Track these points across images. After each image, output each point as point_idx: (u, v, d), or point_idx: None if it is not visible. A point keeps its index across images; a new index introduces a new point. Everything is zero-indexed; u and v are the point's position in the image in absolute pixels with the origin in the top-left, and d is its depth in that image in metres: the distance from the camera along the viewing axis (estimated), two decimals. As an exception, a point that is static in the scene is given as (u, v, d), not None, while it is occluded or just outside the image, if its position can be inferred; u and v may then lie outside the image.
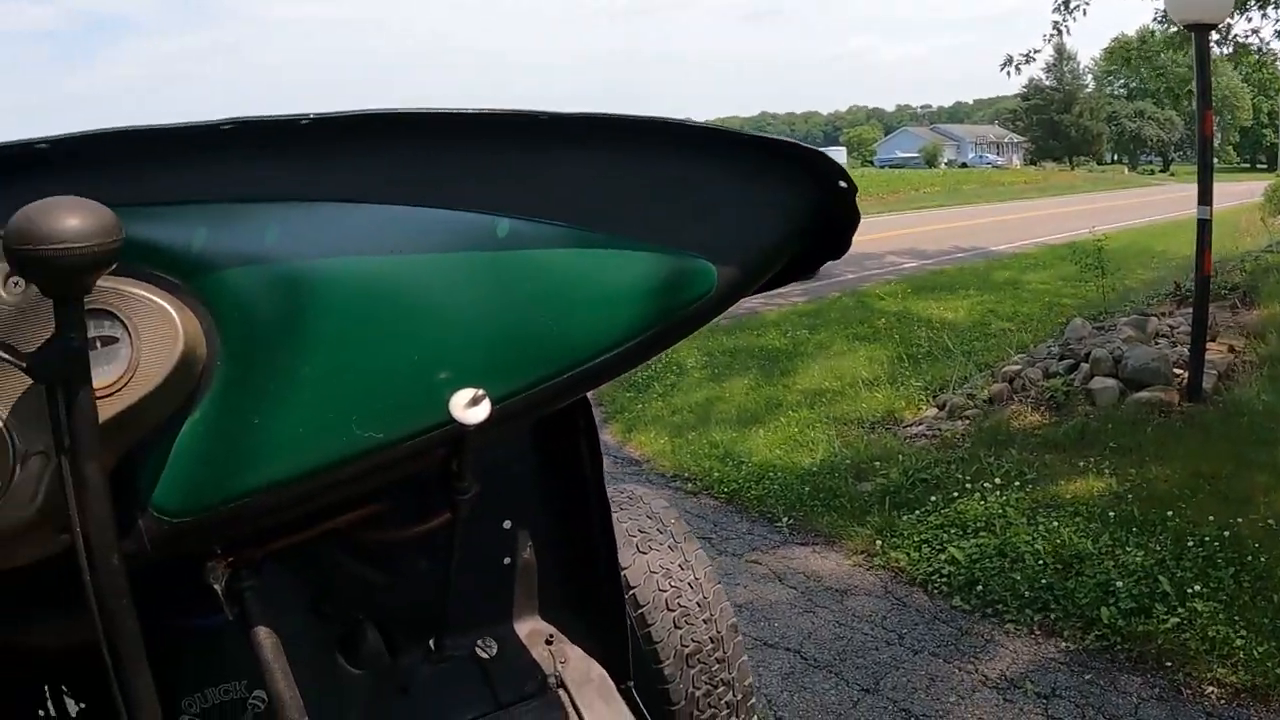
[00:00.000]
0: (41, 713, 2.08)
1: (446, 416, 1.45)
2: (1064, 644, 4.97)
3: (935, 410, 9.17)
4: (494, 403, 1.46)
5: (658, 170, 1.59)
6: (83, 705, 2.08)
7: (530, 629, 2.50)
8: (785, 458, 8.03)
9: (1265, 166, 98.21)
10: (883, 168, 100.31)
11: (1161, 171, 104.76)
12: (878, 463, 7.51)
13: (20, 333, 1.27)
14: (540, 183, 1.55)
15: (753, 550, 6.46)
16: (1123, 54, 25.39)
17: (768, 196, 1.63)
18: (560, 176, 1.56)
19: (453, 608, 2.24)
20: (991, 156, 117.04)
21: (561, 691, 2.42)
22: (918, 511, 6.59)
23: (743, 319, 14.42)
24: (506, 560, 2.42)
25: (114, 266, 1.20)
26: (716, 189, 1.61)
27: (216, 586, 1.71)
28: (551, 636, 2.48)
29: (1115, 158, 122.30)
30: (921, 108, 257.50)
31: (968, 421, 8.42)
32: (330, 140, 1.49)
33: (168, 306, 1.34)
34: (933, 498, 6.70)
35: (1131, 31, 24.14)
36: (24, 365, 1.23)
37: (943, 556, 5.90)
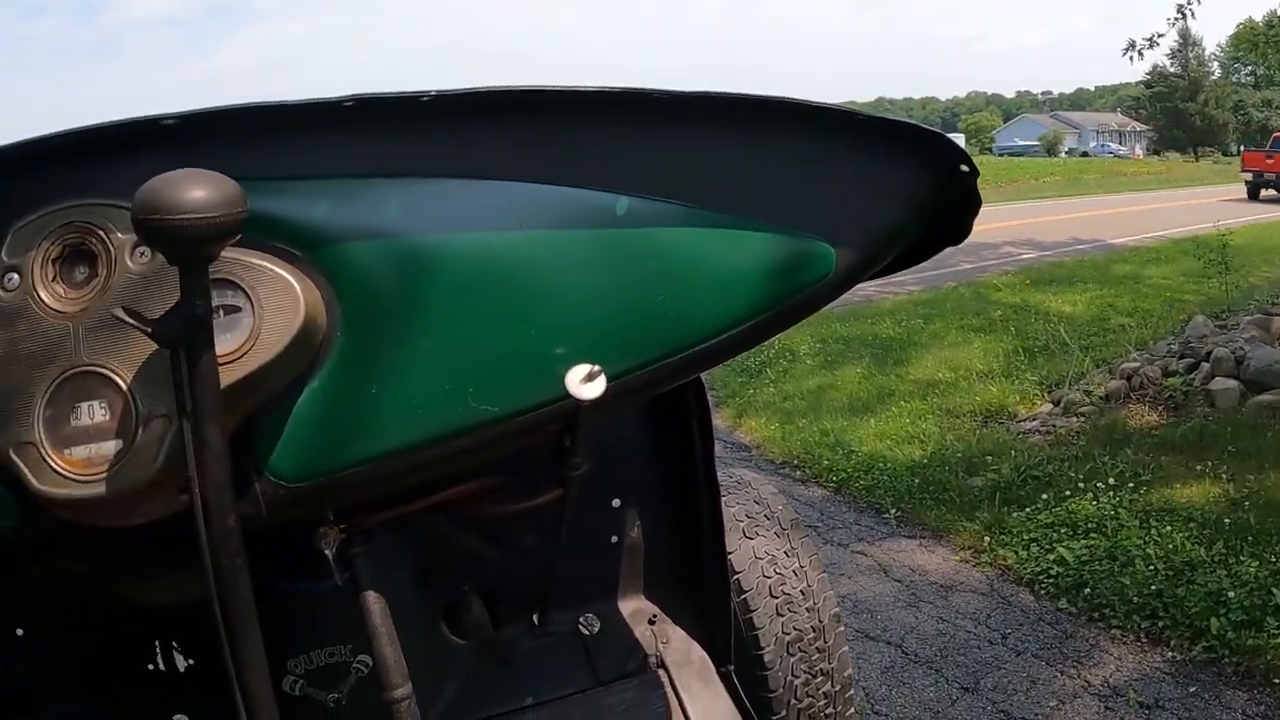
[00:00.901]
0: (151, 666, 2.14)
1: (562, 392, 1.47)
2: (1170, 653, 4.88)
3: (1050, 406, 9.00)
4: (609, 380, 1.48)
5: (778, 150, 1.59)
6: (191, 661, 2.15)
7: (634, 608, 2.50)
8: (895, 448, 7.99)
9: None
10: (1001, 155, 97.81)
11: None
12: (989, 457, 7.43)
13: (145, 300, 1.33)
14: (659, 161, 1.54)
15: (859, 541, 6.47)
16: (1249, 39, 24.58)
17: (889, 179, 1.62)
18: (679, 155, 1.55)
19: (558, 583, 2.27)
20: (1114, 146, 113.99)
21: (661, 672, 2.42)
22: (1028, 509, 6.49)
23: (857, 306, 14.32)
24: (614, 539, 2.43)
25: (238, 237, 1.24)
26: (837, 170, 1.60)
27: (327, 552, 1.74)
28: (654, 616, 2.49)
29: (1241, 149, 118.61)
30: (1042, 94, 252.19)
31: (1083, 418, 8.26)
32: (450, 117, 1.50)
33: (289, 278, 1.37)
34: (1044, 495, 6.60)
35: (1259, 16, 23.18)
36: (149, 330, 1.25)
37: (1051, 556, 5.82)
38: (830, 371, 10.89)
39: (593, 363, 1.47)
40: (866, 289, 16.19)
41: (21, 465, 1.34)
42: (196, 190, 1.16)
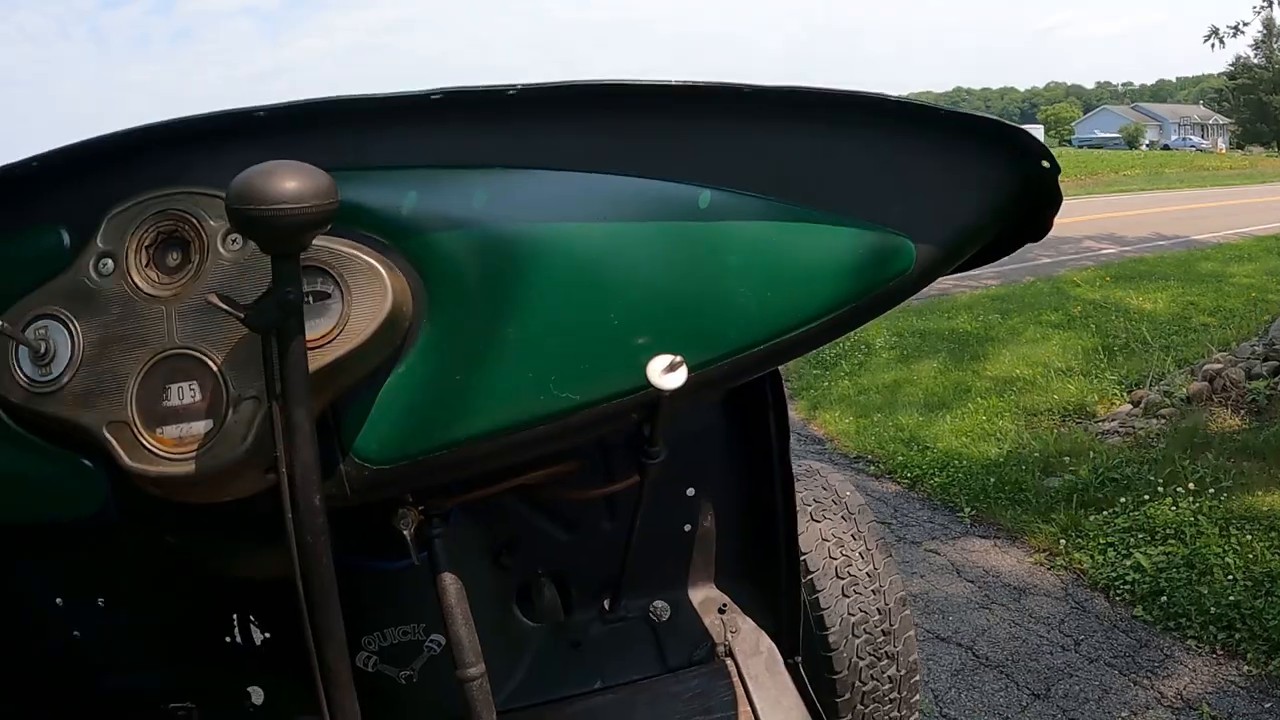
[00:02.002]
0: (228, 639, 2.21)
1: (643, 381, 1.48)
2: (1246, 667, 4.79)
3: (1130, 406, 8.86)
4: (690, 370, 1.49)
5: (860, 145, 1.59)
6: (267, 635, 2.22)
7: (704, 596, 2.53)
8: (971, 446, 7.95)
9: None
10: (1080, 148, 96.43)
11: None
12: (1067, 458, 7.35)
13: (236, 286, 1.37)
14: (741, 155, 1.55)
15: (932, 539, 6.45)
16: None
17: (970, 175, 1.62)
18: (761, 149, 1.56)
19: (630, 570, 2.29)
20: (1195, 139, 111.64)
21: (729, 661, 2.44)
22: (1105, 512, 6.42)
23: (933, 300, 14.26)
24: (687, 527, 2.45)
25: (329, 226, 1.26)
26: (918, 165, 1.60)
27: (406, 532, 1.79)
28: (724, 606, 2.51)
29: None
30: (1123, 85, 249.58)
31: (1163, 420, 8.11)
32: (536, 110, 1.52)
33: (378, 266, 1.40)
34: (1122, 499, 6.50)
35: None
36: (242, 316, 1.29)
37: (1128, 562, 5.75)
38: (906, 366, 10.86)
39: (675, 353, 1.48)
40: (942, 283, 15.98)
41: (114, 443, 1.38)
42: (290, 181, 1.19)
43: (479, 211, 1.48)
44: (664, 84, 1.49)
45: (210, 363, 1.38)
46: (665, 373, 1.47)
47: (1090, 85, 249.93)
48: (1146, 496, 6.51)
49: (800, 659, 2.54)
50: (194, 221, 1.42)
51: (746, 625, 2.51)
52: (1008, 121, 1.62)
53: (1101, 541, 6.07)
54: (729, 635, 2.48)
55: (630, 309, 1.50)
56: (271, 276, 1.27)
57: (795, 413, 9.44)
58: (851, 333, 9.27)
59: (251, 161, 1.22)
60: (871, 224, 1.56)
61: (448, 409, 1.49)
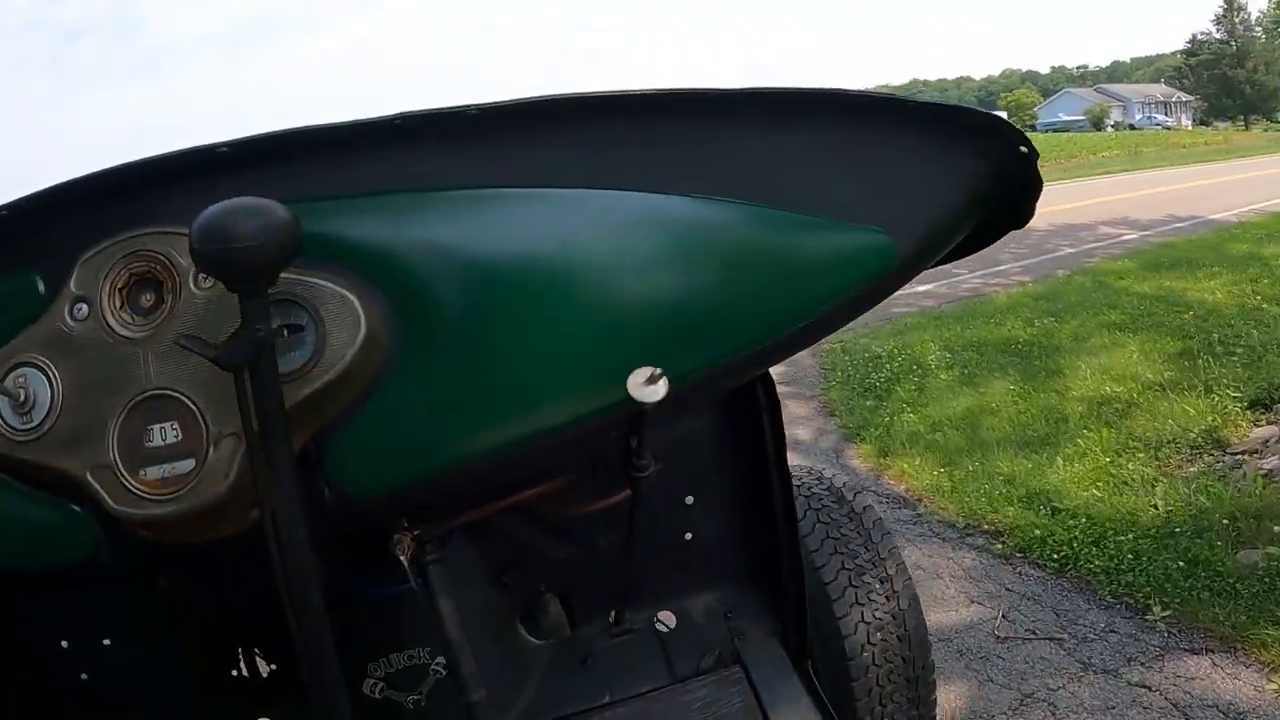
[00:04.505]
0: (235, 672, 2.22)
1: (625, 395, 1.46)
2: None
3: (1272, 429, 7.05)
4: (672, 381, 1.47)
5: (831, 144, 1.57)
6: (274, 667, 2.23)
7: (709, 604, 2.51)
8: (1109, 502, 6.05)
9: None
10: (1046, 132, 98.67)
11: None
12: (1254, 519, 5.45)
13: (211, 323, 1.42)
14: (711, 161, 1.53)
15: (1129, 663, 4.51)
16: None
17: (946, 166, 1.59)
18: (730, 154, 1.54)
19: (633, 581, 2.30)
20: (1160, 117, 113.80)
21: (738, 668, 2.40)
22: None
23: (970, 303, 12.88)
24: (688, 535, 2.39)
25: (294, 262, 1.30)
26: (892, 160, 1.58)
27: (402, 558, 1.75)
28: (730, 613, 2.48)
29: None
30: (1078, 68, 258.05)
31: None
32: (500, 128, 1.52)
33: (350, 296, 1.43)
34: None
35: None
36: (212, 356, 1.31)
37: None
38: (974, 389, 8.94)
39: (654, 366, 1.46)
40: (973, 281, 15.02)
41: (99, 488, 1.43)
42: (250, 219, 1.22)
43: (450, 234, 1.48)
44: (625, 93, 1.51)
45: (189, 402, 1.42)
46: (645, 385, 1.46)
47: (1045, 70, 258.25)
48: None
49: (811, 661, 2.48)
50: (165, 261, 1.46)
51: (754, 630, 2.46)
52: (980, 109, 1.63)
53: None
54: (737, 642, 2.43)
55: (607, 323, 1.48)
56: (240, 315, 1.29)
57: (860, 460, 7.57)
58: (899, 352, 10.51)
59: (219, 197, 1.27)
60: (848, 222, 1.54)
61: (431, 435, 1.49)
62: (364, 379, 1.43)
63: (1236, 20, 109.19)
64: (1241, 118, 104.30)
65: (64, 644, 2.03)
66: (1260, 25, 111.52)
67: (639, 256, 1.49)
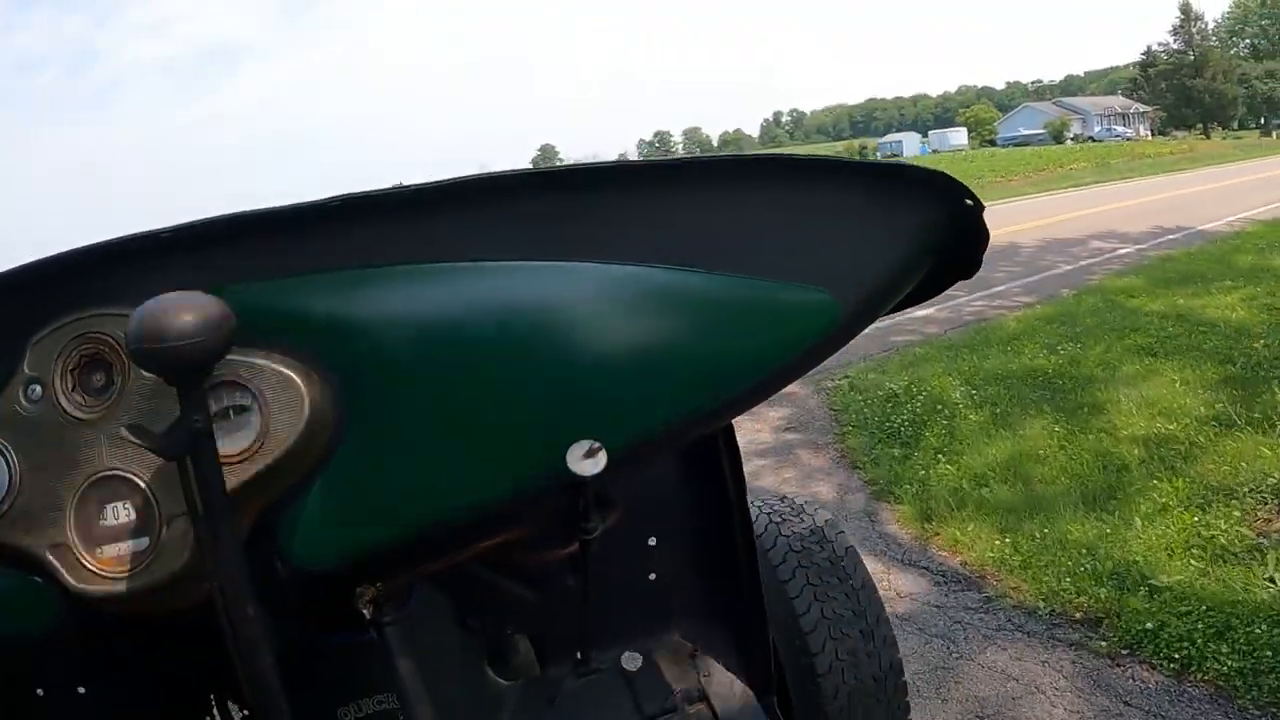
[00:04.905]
0: (209, 718, 2.15)
1: (564, 467, 1.46)
2: None
3: (1367, 472, 6.03)
4: (611, 451, 1.46)
5: (769, 207, 1.56)
6: (245, 713, 2.17)
7: (674, 644, 2.50)
8: (1214, 574, 5.01)
9: None
10: (1007, 146, 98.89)
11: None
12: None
13: (159, 404, 1.43)
14: (648, 230, 1.54)
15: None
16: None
17: (889, 224, 1.59)
18: (668, 222, 1.54)
19: (599, 623, 2.30)
20: (1119, 129, 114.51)
21: (704, 705, 2.40)
22: None
23: (979, 329, 12.14)
24: (652, 576, 2.40)
25: (227, 354, 1.31)
26: (834, 220, 1.58)
27: (365, 612, 1.75)
28: (695, 651, 2.49)
29: (1243, 123, 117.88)
30: (1032, 83, 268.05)
31: None
32: (433, 206, 1.53)
33: (293, 374, 1.44)
34: None
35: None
36: (154, 446, 1.33)
37: None
38: (1009, 430, 7.88)
39: (596, 435, 1.46)
40: (976, 304, 14.19)
41: (58, 565, 1.45)
42: (183, 315, 1.23)
43: (392, 310, 1.48)
44: (559, 169, 1.54)
45: (140, 483, 1.44)
46: (584, 459, 1.45)
47: (1000, 85, 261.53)
48: None
49: (775, 698, 2.49)
50: (113, 343, 1.47)
51: (718, 669, 2.47)
52: (922, 166, 1.60)
53: None
54: (702, 680, 2.43)
55: (544, 395, 1.48)
56: (179, 406, 1.29)
57: (901, 527, 6.46)
58: (919, 390, 9.33)
59: (166, 277, 1.36)
60: (787, 282, 1.53)
61: (377, 509, 1.49)
62: (310, 457, 1.44)
63: (1194, 30, 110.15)
64: (1200, 126, 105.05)
65: (39, 692, 1.94)
66: (1215, 36, 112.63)
67: (578, 328, 1.48)
